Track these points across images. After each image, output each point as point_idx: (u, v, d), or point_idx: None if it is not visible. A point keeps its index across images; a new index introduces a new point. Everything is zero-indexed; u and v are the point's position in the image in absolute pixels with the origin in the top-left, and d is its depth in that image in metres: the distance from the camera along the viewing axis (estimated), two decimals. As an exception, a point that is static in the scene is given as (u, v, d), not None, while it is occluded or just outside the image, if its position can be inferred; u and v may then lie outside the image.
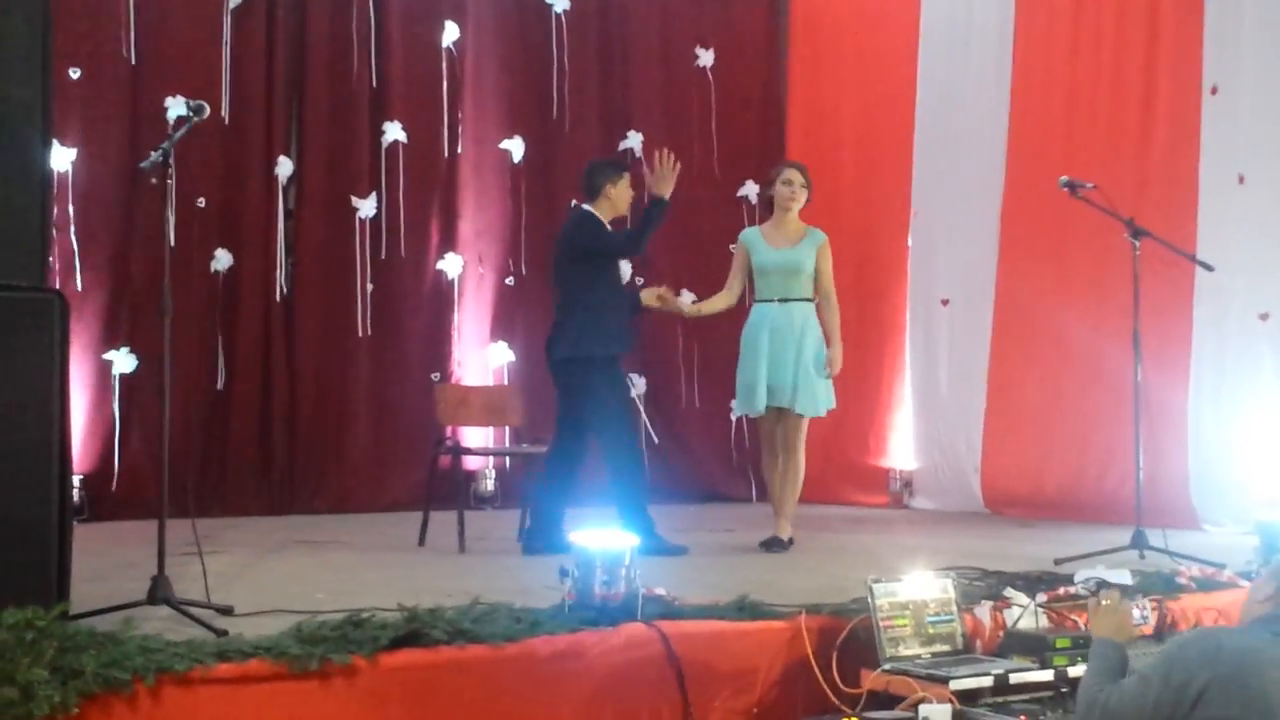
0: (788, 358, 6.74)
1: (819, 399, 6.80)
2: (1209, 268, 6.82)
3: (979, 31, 9.31)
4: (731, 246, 7.19)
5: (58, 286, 5.91)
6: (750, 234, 7.06)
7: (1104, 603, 3.96)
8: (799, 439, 6.81)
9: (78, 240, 8.04)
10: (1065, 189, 6.64)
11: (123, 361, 8.12)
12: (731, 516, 7.99)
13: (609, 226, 6.61)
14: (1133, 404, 6.41)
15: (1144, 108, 8.25)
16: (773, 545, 6.68)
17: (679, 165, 6.47)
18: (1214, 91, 7.90)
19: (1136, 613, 4.64)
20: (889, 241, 9.70)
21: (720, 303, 7.07)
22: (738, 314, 7.14)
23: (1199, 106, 7.92)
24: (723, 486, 9.75)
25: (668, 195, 6.45)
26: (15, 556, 3.91)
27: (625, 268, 8.79)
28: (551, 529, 6.34)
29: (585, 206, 6.62)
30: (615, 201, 6.62)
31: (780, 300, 6.82)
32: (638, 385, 9.65)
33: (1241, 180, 7.76)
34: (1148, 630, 4.70)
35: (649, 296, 6.84)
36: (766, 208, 7.09)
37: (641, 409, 9.59)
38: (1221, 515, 7.56)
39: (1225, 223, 7.77)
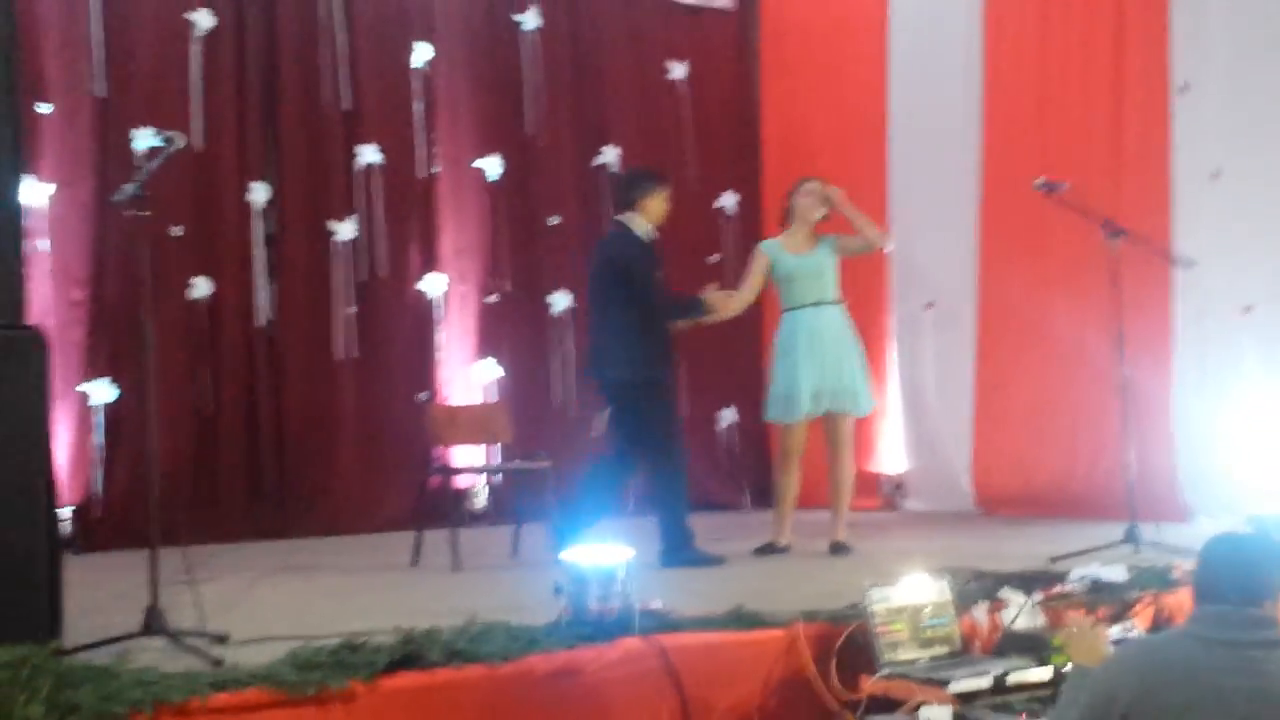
0: (830, 360, 6.86)
1: (863, 399, 6.97)
2: (1190, 264, 6.85)
3: (946, 36, 9.33)
4: (752, 254, 7.25)
5: (36, 320, 5.88)
6: (769, 244, 7.16)
7: (1074, 630, 4.01)
8: (850, 439, 6.98)
9: (55, 274, 8.00)
10: (1041, 190, 6.66)
11: (104, 392, 8.07)
12: (723, 524, 7.97)
13: (646, 240, 6.62)
14: (1119, 398, 6.42)
15: (1114, 107, 8.28)
16: (836, 549, 6.79)
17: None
18: (1184, 89, 7.93)
19: (1117, 629, 4.64)
20: (869, 248, 9.70)
21: (747, 299, 7.12)
22: (722, 324, 7.17)
23: (1167, 104, 7.96)
24: (714, 494, 9.74)
25: (714, 315, 6.72)
26: (6, 592, 3.89)
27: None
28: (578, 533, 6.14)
29: (623, 221, 6.62)
30: (651, 214, 6.63)
31: (814, 304, 6.92)
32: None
33: (1216, 176, 7.79)
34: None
35: (719, 298, 6.78)
36: (786, 218, 7.13)
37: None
38: (1213, 506, 7.56)
39: (1201, 218, 7.81)
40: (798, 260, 6.99)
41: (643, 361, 6.47)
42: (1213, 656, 3.03)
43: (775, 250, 7.06)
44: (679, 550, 6.38)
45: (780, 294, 7.10)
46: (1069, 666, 3.78)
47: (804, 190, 7.06)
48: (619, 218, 6.67)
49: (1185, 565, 5.33)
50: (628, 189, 6.70)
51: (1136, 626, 4.81)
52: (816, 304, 6.93)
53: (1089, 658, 3.70)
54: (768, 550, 6.82)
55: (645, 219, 6.61)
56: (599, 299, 6.65)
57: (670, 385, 6.73)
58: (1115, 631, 4.58)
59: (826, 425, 6.96)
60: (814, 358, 6.85)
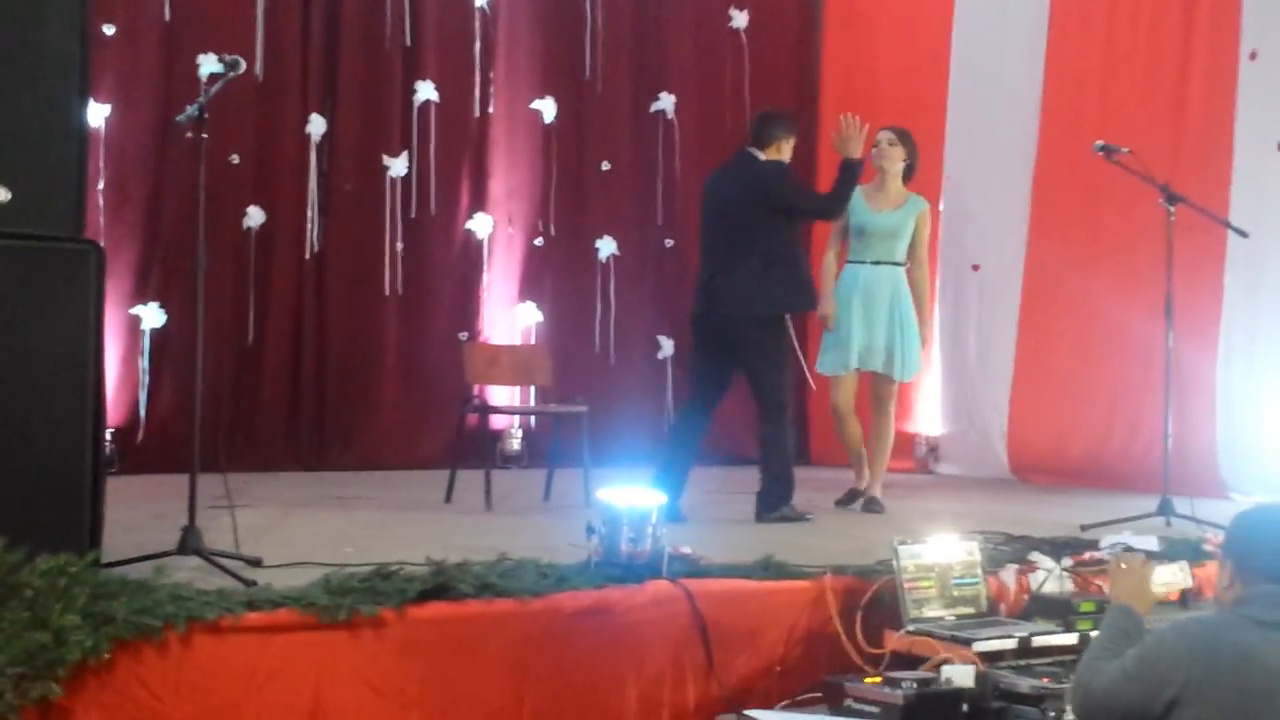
0: (881, 320, 6.85)
1: (910, 364, 6.94)
2: (1243, 234, 6.80)
3: (1015, -5, 9.23)
4: None
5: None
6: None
7: (1123, 566, 3.84)
8: (891, 402, 6.97)
9: (109, 196, 8.09)
10: (1100, 153, 6.61)
11: (152, 316, 8.17)
12: (756, 479, 7.97)
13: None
14: (1161, 371, 6.39)
15: (1180, 73, 8.18)
16: (869, 505, 6.81)
17: (866, 126, 6.50)
18: (1253, 57, 7.82)
19: (1168, 574, 4.59)
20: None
21: (833, 272, 7.04)
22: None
23: (1236, 72, 7.85)
24: (748, 449, 9.71)
25: (858, 155, 6.47)
26: (49, 505, 3.96)
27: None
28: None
29: (764, 156, 6.49)
30: (784, 155, 6.55)
31: (874, 263, 6.88)
32: (666, 348, 9.65)
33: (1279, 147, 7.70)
34: (1174, 596, 4.69)
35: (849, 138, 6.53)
36: (872, 170, 7.00)
37: (669, 370, 9.61)
38: (1250, 484, 7.51)
39: (1261, 190, 7.71)
40: (878, 218, 6.91)
41: (792, 293, 6.34)
42: (1267, 640, 2.98)
43: (855, 200, 6.81)
44: (778, 504, 6.31)
45: (849, 244, 7.01)
46: (1111, 604, 3.67)
47: (874, 140, 6.94)
48: (754, 151, 6.52)
49: (1217, 538, 5.31)
50: (768, 126, 6.56)
51: (1190, 578, 4.80)
52: (877, 263, 6.89)
53: (1132, 598, 3.62)
54: (848, 500, 6.90)
55: (779, 158, 6.52)
56: (737, 231, 6.35)
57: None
58: (1163, 574, 4.53)
59: (872, 384, 6.98)
60: (866, 316, 6.85)
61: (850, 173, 6.44)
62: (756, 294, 6.27)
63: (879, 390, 6.97)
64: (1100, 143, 6.64)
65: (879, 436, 6.99)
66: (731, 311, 6.31)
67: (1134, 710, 3.14)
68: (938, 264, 9.54)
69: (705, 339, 6.53)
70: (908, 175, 7.05)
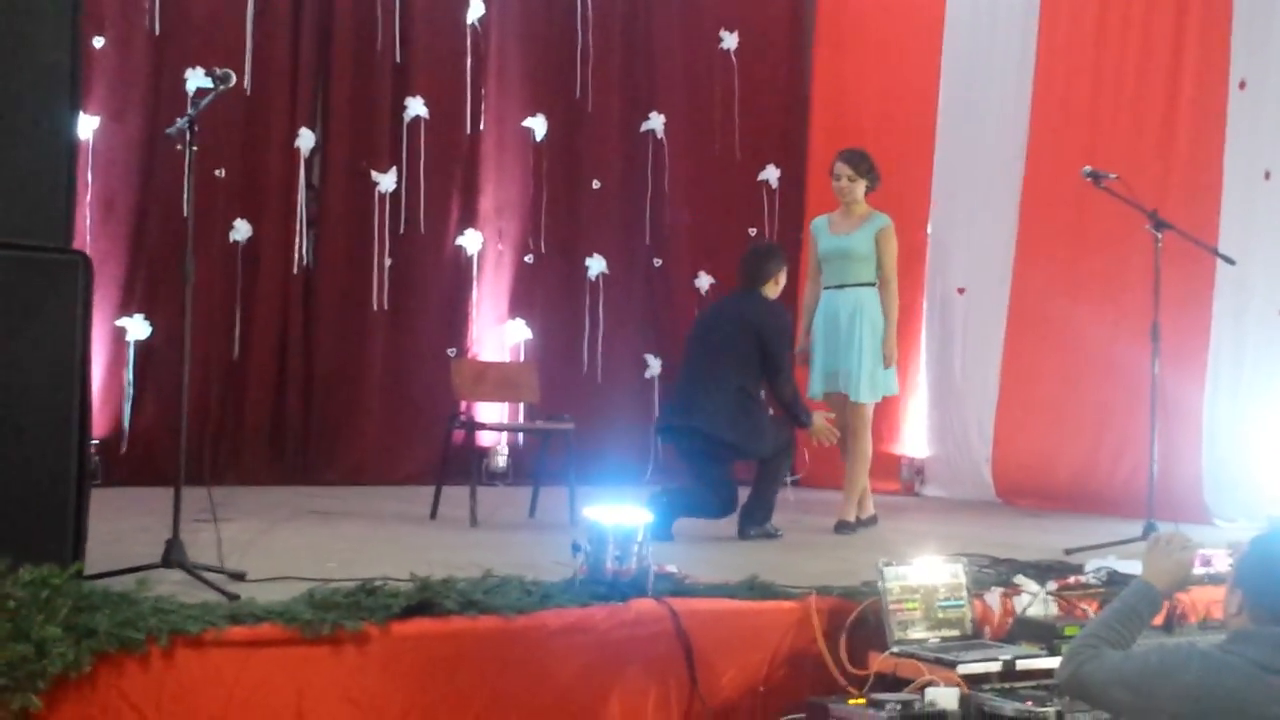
0: (841, 343, 6.83)
1: (877, 384, 6.89)
2: (1230, 261, 6.83)
3: (1004, 20, 9.26)
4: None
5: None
6: (818, 222, 7.17)
7: (1163, 541, 3.63)
8: (859, 424, 6.89)
9: (97, 207, 8.08)
10: (1088, 179, 6.62)
11: (138, 328, 8.15)
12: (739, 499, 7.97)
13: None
14: (1147, 397, 6.40)
15: (1169, 101, 8.20)
16: (839, 528, 6.80)
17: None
18: (1243, 86, 7.85)
19: (1203, 569, 4.53)
20: (908, 229, 9.56)
21: (812, 306, 7.08)
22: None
23: (1225, 100, 7.88)
24: (740, 470, 9.71)
25: (812, 435, 6.71)
26: (33, 516, 3.95)
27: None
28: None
29: (764, 295, 6.60)
30: (777, 288, 6.66)
31: (837, 286, 6.92)
32: (653, 366, 9.66)
33: (1268, 176, 7.72)
34: (1159, 621, 4.66)
35: (823, 429, 6.70)
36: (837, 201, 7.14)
37: (656, 389, 9.60)
38: (1234, 511, 7.53)
39: (1250, 218, 7.75)
40: (833, 241, 6.99)
41: (759, 439, 6.46)
42: (1268, 686, 2.97)
43: (820, 228, 7.09)
44: (763, 522, 6.50)
45: (821, 272, 7.09)
46: (1138, 578, 3.57)
47: (833, 172, 7.05)
48: (753, 289, 6.61)
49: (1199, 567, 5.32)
50: (763, 263, 6.64)
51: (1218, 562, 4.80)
52: (840, 286, 6.92)
53: (1161, 579, 3.53)
54: (839, 528, 6.82)
55: (771, 292, 6.63)
56: (719, 356, 6.47)
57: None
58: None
59: (837, 407, 6.94)
60: (826, 340, 6.89)
61: (803, 421, 6.63)
62: (732, 426, 6.40)
63: (846, 413, 6.91)
64: (1089, 168, 6.65)
65: (849, 459, 6.96)
66: (709, 431, 6.43)
67: (1112, 710, 3.19)
68: (924, 287, 9.60)
69: (682, 448, 6.73)
70: (869, 191, 7.05)
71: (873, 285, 6.95)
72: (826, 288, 6.98)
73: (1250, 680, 2.98)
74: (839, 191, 7.00)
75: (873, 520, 7.03)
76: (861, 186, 6.99)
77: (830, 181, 7.09)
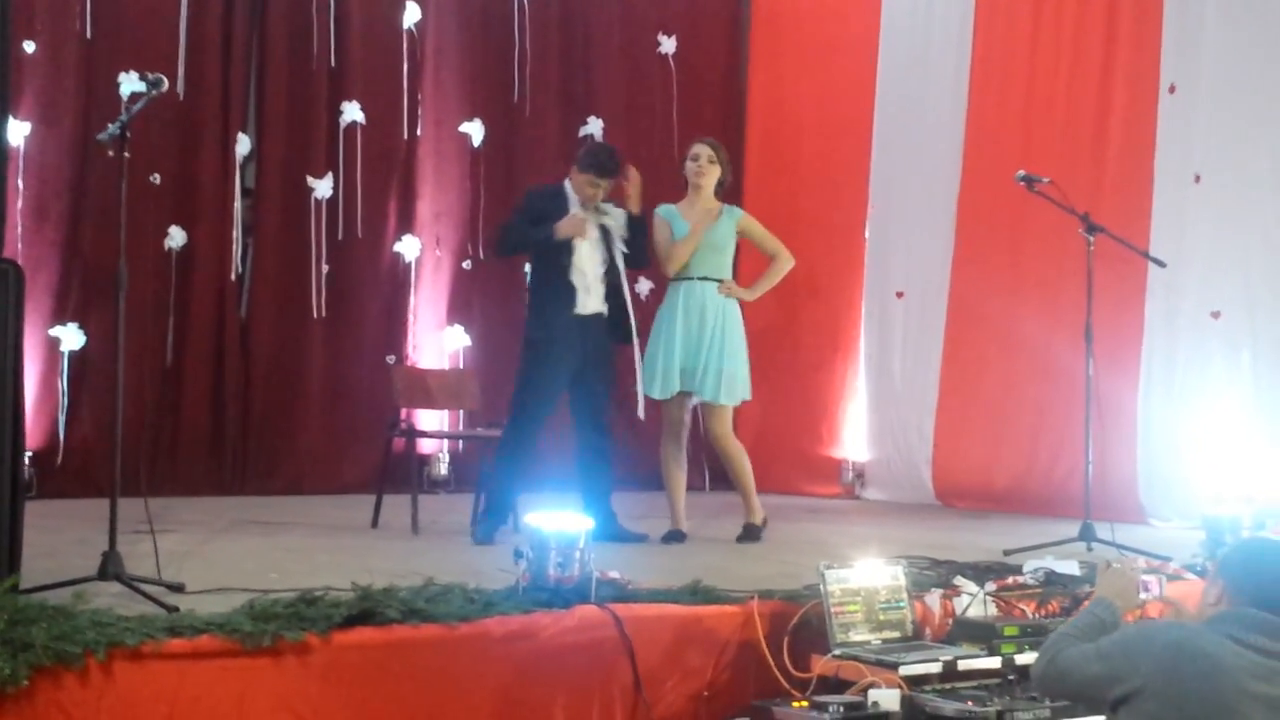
0: (703, 341, 6.47)
1: (736, 388, 6.54)
2: (1160, 264, 6.92)
3: (940, 26, 9.35)
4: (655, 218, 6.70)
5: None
6: (667, 209, 6.66)
7: (1114, 566, 4.02)
8: (722, 428, 6.55)
9: (28, 214, 7.97)
10: (1022, 183, 6.68)
11: (72, 337, 8.05)
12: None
13: (547, 196, 6.57)
14: (1083, 399, 6.47)
15: (1101, 106, 8.31)
16: (746, 534, 6.53)
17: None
18: (1173, 90, 7.97)
19: (1145, 594, 4.59)
20: (846, 233, 9.73)
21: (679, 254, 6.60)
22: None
23: (1156, 104, 7.99)
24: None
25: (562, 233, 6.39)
26: (-35, 529, 3.88)
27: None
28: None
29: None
30: (574, 185, 6.45)
31: (700, 279, 6.54)
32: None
33: (1198, 179, 7.82)
34: (1148, 611, 4.66)
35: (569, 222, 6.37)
36: (685, 185, 6.73)
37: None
38: (1168, 510, 7.65)
39: (1180, 221, 7.85)
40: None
41: (533, 316, 6.45)
42: (1241, 658, 3.05)
43: (673, 216, 6.60)
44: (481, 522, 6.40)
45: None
46: (1095, 596, 3.79)
47: (691, 154, 6.68)
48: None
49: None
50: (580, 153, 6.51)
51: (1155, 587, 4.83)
52: (703, 279, 6.53)
53: (1118, 598, 3.72)
54: (671, 538, 6.45)
55: (573, 185, 6.41)
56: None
57: (548, 351, 6.39)
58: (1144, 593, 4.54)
59: (700, 411, 6.71)
60: (686, 335, 6.47)
61: (538, 235, 6.34)
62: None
63: (707, 417, 6.62)
64: (1022, 172, 6.71)
65: (728, 465, 6.67)
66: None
67: (1090, 687, 3.24)
68: (863, 291, 9.66)
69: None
70: (718, 190, 6.71)
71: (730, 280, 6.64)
72: (689, 278, 6.53)
73: (1224, 648, 3.08)
74: (693, 173, 6.59)
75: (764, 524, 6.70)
76: (715, 175, 6.64)
77: (691, 167, 6.63)
